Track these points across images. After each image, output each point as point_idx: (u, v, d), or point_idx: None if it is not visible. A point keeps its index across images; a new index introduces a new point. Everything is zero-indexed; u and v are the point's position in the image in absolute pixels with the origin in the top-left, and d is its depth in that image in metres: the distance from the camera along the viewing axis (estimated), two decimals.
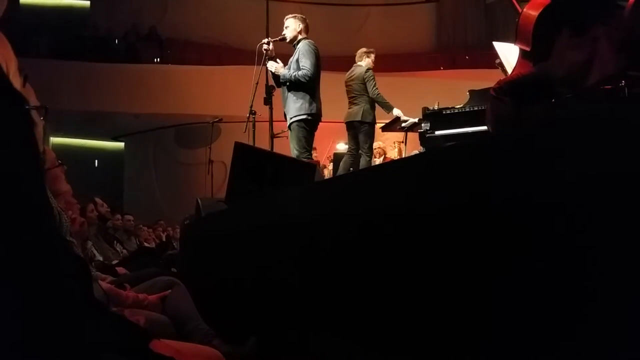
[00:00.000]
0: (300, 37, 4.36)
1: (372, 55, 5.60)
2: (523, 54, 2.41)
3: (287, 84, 4.24)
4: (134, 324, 1.01)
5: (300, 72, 4.15)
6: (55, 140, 11.67)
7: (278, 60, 4.38)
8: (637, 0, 1.92)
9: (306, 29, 4.42)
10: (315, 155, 6.52)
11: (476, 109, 3.98)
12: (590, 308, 0.82)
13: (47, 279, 0.62)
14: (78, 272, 0.94)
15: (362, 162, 5.31)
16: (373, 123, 5.37)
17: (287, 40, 4.42)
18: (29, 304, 0.60)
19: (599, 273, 0.81)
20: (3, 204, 0.59)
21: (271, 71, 4.35)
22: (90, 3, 13.43)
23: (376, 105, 5.41)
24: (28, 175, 0.62)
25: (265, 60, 4.38)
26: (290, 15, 4.50)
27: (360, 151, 5.36)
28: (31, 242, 0.61)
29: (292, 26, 4.40)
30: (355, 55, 5.72)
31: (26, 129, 0.65)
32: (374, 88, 5.36)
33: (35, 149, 0.66)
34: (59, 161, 2.06)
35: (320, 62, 4.37)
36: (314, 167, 3.11)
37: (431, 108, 4.38)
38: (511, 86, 2.29)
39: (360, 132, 5.34)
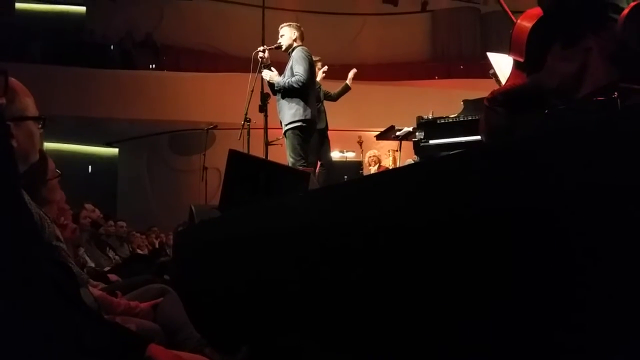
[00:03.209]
0: (295, 44, 4.39)
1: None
2: (517, 65, 2.42)
3: (282, 91, 4.26)
4: (129, 329, 1.00)
5: (293, 79, 4.18)
6: (49, 145, 11.61)
7: (272, 68, 4.40)
8: (629, 13, 1.94)
9: (301, 37, 4.45)
10: None
11: (470, 118, 4.00)
12: (586, 313, 0.82)
13: (25, 284, 0.62)
14: (62, 276, 0.93)
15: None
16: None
17: (283, 48, 4.44)
18: (9, 308, 0.59)
19: (595, 277, 0.81)
20: None
21: (266, 79, 4.37)
22: (86, 9, 13.43)
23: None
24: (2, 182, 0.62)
25: (260, 67, 4.40)
26: (285, 24, 4.52)
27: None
28: (8, 247, 0.60)
29: (287, 34, 4.43)
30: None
31: (1, 135, 0.64)
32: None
33: (10, 154, 0.65)
34: (57, 171, 2.06)
35: (313, 69, 4.38)
36: (308, 175, 3.10)
37: (425, 117, 4.39)
38: (505, 97, 2.30)
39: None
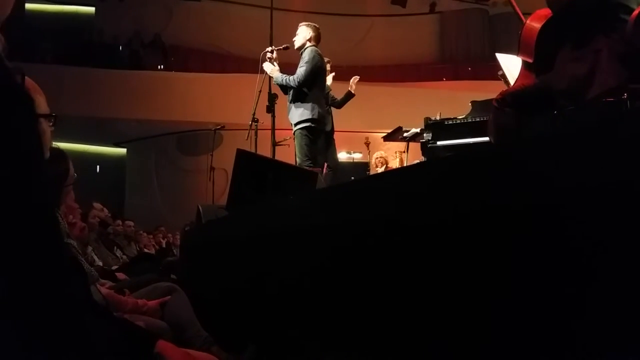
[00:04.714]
0: (308, 45, 4.39)
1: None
2: (525, 66, 2.41)
3: (290, 90, 4.28)
4: (138, 326, 1.01)
5: (292, 77, 4.20)
6: (57, 145, 11.68)
7: (275, 63, 4.41)
8: None
9: (316, 39, 4.43)
10: None
11: (478, 119, 3.99)
12: (588, 314, 0.82)
13: (46, 277, 0.62)
14: (74, 273, 0.94)
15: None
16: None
17: (295, 47, 4.45)
18: (27, 303, 0.60)
19: (599, 277, 0.81)
20: (7, 205, 0.59)
21: (267, 72, 4.38)
22: (95, 10, 13.52)
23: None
24: (32, 177, 0.63)
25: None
26: (303, 23, 4.53)
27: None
28: (32, 242, 0.61)
29: (302, 34, 4.44)
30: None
31: (32, 130, 0.65)
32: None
33: (40, 150, 0.66)
34: (75, 174, 2.08)
35: (322, 71, 4.38)
36: (315, 175, 3.11)
37: (433, 118, 4.38)
38: (513, 98, 2.29)
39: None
